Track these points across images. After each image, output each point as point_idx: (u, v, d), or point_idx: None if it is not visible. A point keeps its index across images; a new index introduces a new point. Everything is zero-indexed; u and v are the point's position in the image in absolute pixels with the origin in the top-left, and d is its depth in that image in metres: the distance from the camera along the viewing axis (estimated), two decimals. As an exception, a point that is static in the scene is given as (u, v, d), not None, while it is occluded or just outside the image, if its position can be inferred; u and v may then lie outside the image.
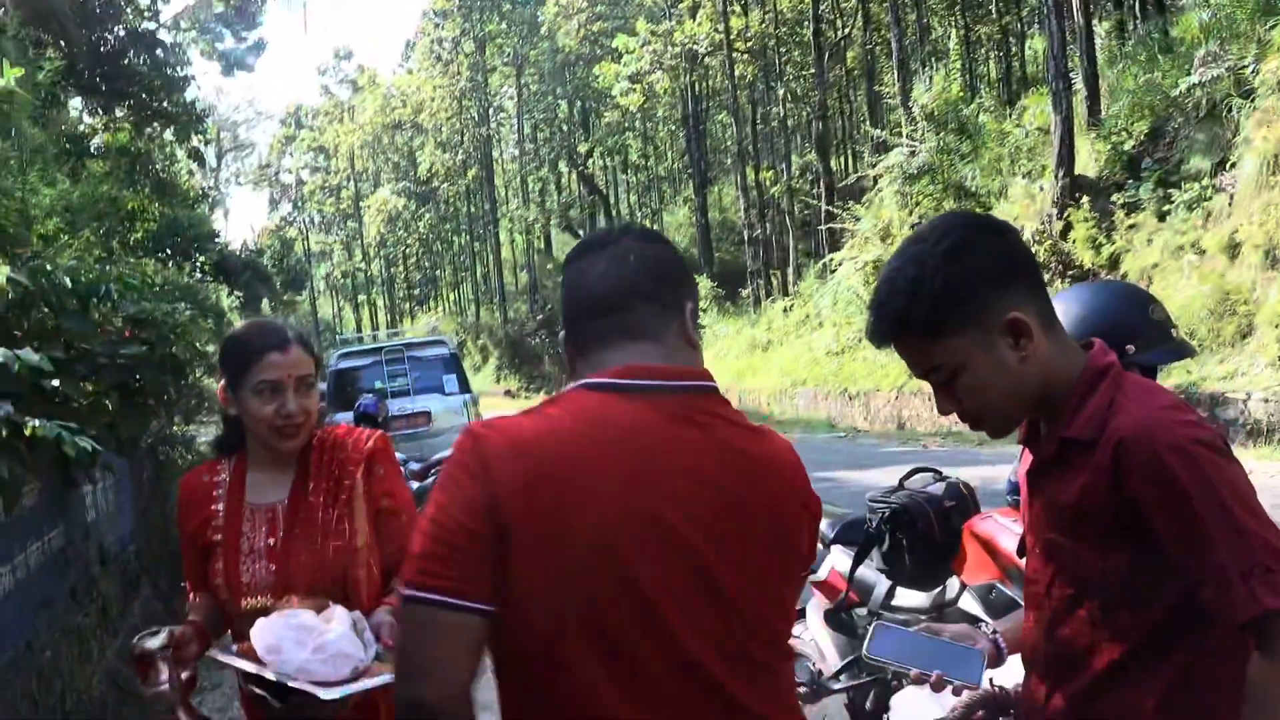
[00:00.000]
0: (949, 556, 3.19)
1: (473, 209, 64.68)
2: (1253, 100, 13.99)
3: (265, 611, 2.40)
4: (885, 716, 2.99)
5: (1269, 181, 13.30)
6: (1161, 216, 15.44)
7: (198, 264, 18.39)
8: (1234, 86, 14.53)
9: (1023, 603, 1.98)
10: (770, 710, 1.55)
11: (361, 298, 78.24)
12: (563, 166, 59.36)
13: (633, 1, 46.26)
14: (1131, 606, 1.72)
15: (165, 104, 18.47)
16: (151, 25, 19.58)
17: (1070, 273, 16.77)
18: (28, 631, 5.06)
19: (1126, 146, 16.82)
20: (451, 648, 1.44)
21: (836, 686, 3.25)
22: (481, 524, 1.45)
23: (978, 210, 19.93)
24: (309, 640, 2.20)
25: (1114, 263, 15.97)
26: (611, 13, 47.54)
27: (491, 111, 60.07)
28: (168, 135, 20.10)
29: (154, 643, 2.35)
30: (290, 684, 2.17)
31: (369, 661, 2.24)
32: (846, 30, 35.05)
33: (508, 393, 48.54)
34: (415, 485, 9.21)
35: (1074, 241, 16.67)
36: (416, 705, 1.44)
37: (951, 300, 1.71)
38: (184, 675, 2.39)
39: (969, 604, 3.14)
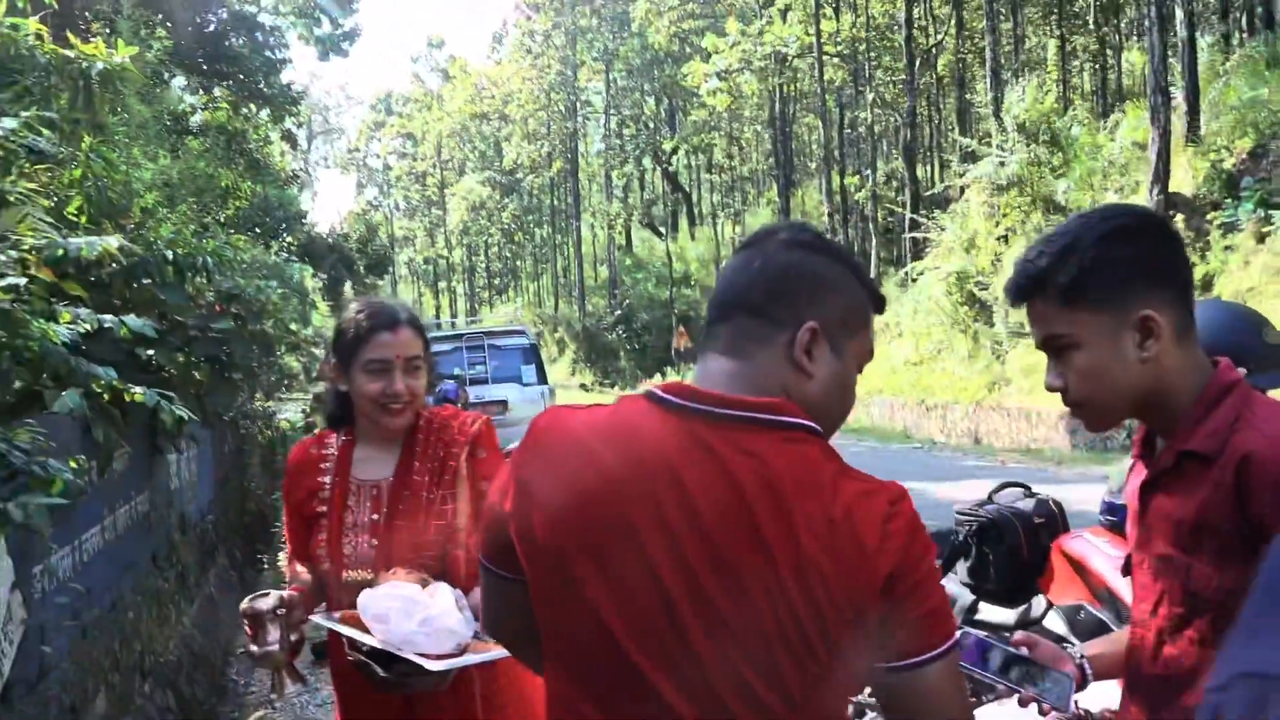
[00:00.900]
0: (1036, 574, 3.12)
1: (556, 202, 65.05)
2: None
3: (365, 584, 2.45)
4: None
5: (1376, 207, 12.89)
6: (1261, 238, 15.04)
7: (285, 244, 18.72)
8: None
9: (1112, 626, 1.94)
10: None
11: (442, 285, 79.11)
12: (647, 163, 59.44)
13: (724, 0, 46.14)
14: None
15: (262, 85, 18.83)
16: (252, 9, 19.98)
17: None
18: (113, 592, 5.20)
19: (1226, 164, 16.40)
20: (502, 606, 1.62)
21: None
22: (503, 503, 1.53)
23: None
24: (415, 613, 2.24)
25: (1207, 284, 15.58)
26: (702, 11, 47.50)
27: (579, 105, 60.33)
28: (263, 116, 20.49)
29: (265, 604, 2.42)
30: (397, 654, 2.21)
31: (469, 638, 2.27)
32: (939, 37, 34.62)
33: (582, 386, 48.76)
34: None
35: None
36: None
37: (1096, 276, 1.67)
38: (293, 638, 2.46)
39: (1055, 624, 3.08)
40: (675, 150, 54.47)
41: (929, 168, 38.15)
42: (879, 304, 1.58)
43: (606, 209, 59.77)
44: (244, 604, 2.46)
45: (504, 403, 12.34)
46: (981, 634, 1.82)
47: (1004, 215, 21.66)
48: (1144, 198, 17.16)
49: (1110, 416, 1.79)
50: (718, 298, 1.55)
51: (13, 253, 3.20)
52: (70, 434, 4.29)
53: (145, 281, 4.77)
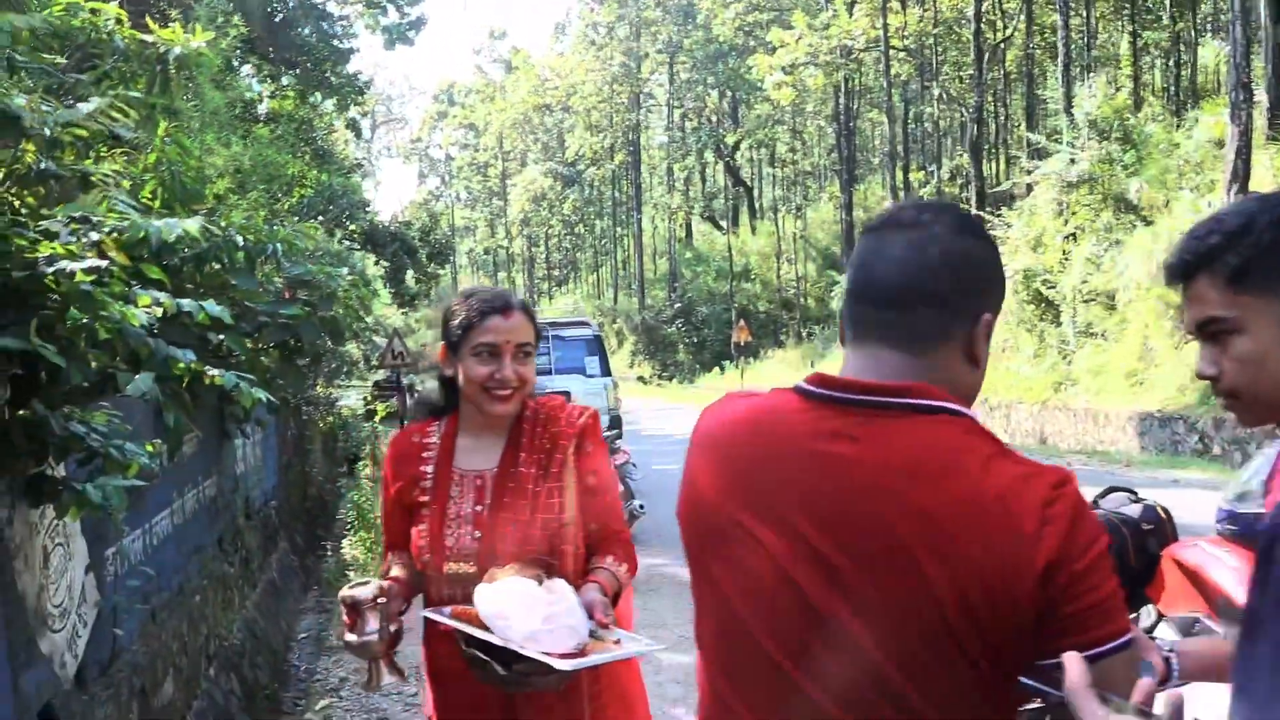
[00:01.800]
0: (1144, 582, 3.00)
1: (617, 194, 65.10)
2: None
3: (468, 577, 2.40)
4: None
5: None
6: (1343, 239, 14.60)
7: (348, 231, 18.85)
8: None
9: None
10: None
11: (501, 275, 79.56)
12: (709, 156, 59.30)
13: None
14: None
15: (329, 74, 18.96)
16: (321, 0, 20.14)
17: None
18: (181, 575, 5.23)
19: (1309, 163, 16.00)
20: None
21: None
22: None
23: (1140, 224, 19.20)
24: (538, 609, 2.17)
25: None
26: (768, 4, 47.22)
27: (641, 98, 60.31)
28: (328, 105, 20.65)
29: (365, 593, 2.37)
30: (521, 651, 2.13)
31: (588, 637, 2.20)
32: (1008, 32, 34.11)
33: (640, 379, 48.77)
34: None
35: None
36: None
37: (1271, 258, 1.54)
38: (391, 629, 2.41)
39: (1167, 635, 2.96)
40: (738, 144, 54.26)
41: (994, 164, 37.64)
42: None
43: (667, 202, 59.72)
44: (343, 591, 2.42)
45: (567, 394, 12.32)
46: None
47: (1073, 213, 21.27)
48: (1221, 196, 16.75)
49: (1267, 412, 1.66)
50: (888, 284, 1.45)
51: (94, 235, 3.19)
52: (142, 417, 4.31)
53: (216, 267, 4.77)
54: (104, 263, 2.94)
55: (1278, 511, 1.35)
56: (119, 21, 5.24)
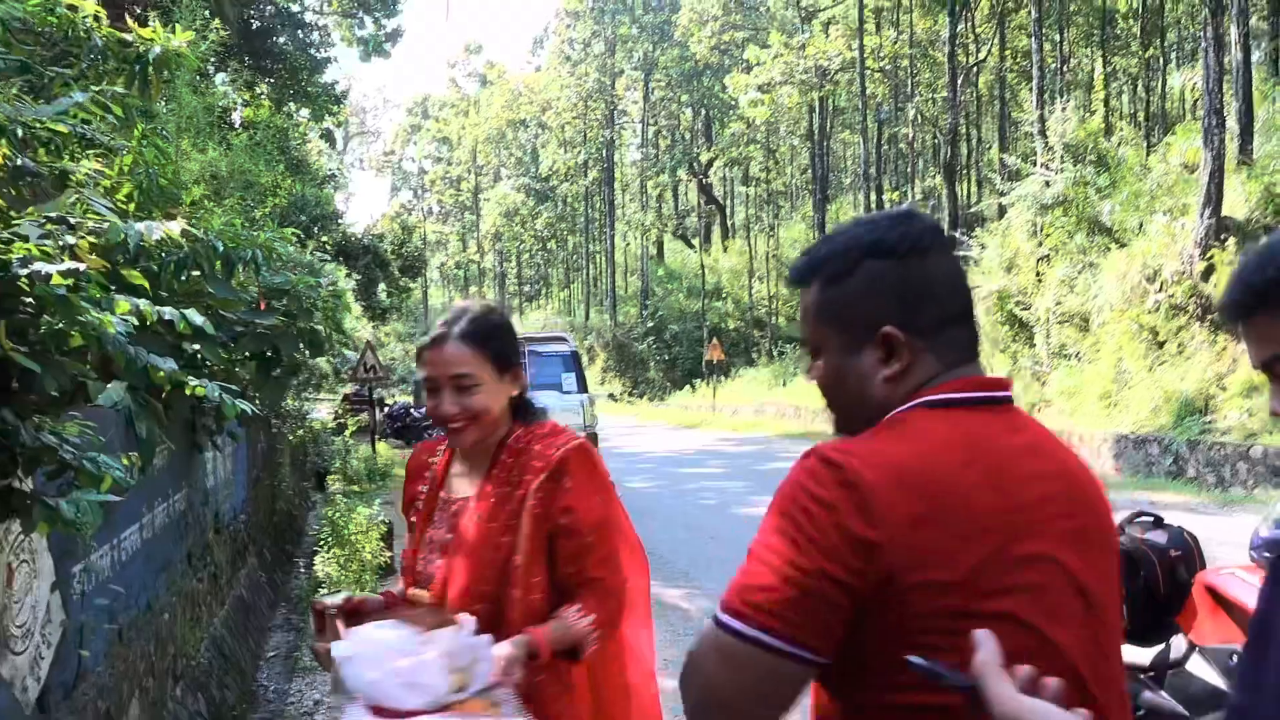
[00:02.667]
0: (1174, 611, 2.89)
1: (590, 210, 65.04)
2: None
3: (425, 604, 2.35)
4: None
5: None
6: (1316, 264, 14.70)
7: (320, 243, 18.63)
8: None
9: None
10: None
11: (473, 290, 79.27)
12: (682, 174, 59.37)
13: (766, 13, 46.04)
14: None
15: (305, 84, 18.78)
16: (298, 7, 19.98)
17: (1210, 316, 16.10)
18: (149, 592, 5.05)
19: (1280, 188, 16.11)
20: (773, 695, 1.36)
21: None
22: (852, 572, 1.31)
23: (1113, 246, 19.30)
24: (388, 660, 2.08)
25: (1259, 311, 15.21)
26: (745, 22, 47.39)
27: (616, 115, 60.34)
28: (303, 114, 20.45)
29: (331, 601, 2.38)
30: (350, 700, 2.10)
31: (456, 695, 2.08)
32: (981, 55, 34.35)
33: (611, 396, 48.62)
34: None
35: (1216, 284, 15.99)
36: None
37: None
38: None
39: (1201, 668, 2.84)
40: (711, 162, 54.34)
41: (967, 185, 37.85)
42: None
43: (641, 219, 59.69)
44: (315, 598, 2.43)
45: (543, 411, 12.13)
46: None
47: (1048, 235, 21.35)
48: (1195, 219, 16.85)
49: None
50: (968, 302, 1.52)
51: (69, 238, 3.04)
52: (113, 428, 4.14)
53: (194, 274, 4.62)
54: (81, 266, 2.80)
55: None
56: (96, 19, 5.08)
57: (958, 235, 25.59)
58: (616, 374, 52.58)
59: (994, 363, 22.14)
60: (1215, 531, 8.41)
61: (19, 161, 3.08)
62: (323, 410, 17.85)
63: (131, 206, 4.77)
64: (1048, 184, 21.48)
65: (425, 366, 2.43)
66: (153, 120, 5.72)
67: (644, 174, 59.63)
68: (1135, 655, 3.03)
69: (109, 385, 3.54)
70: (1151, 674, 2.91)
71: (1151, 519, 3.13)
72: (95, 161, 3.88)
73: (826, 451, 1.37)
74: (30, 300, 2.72)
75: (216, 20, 9.55)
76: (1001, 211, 24.27)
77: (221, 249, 4.58)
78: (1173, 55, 33.94)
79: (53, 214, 2.92)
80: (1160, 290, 17.21)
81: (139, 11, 7.76)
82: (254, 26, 17.79)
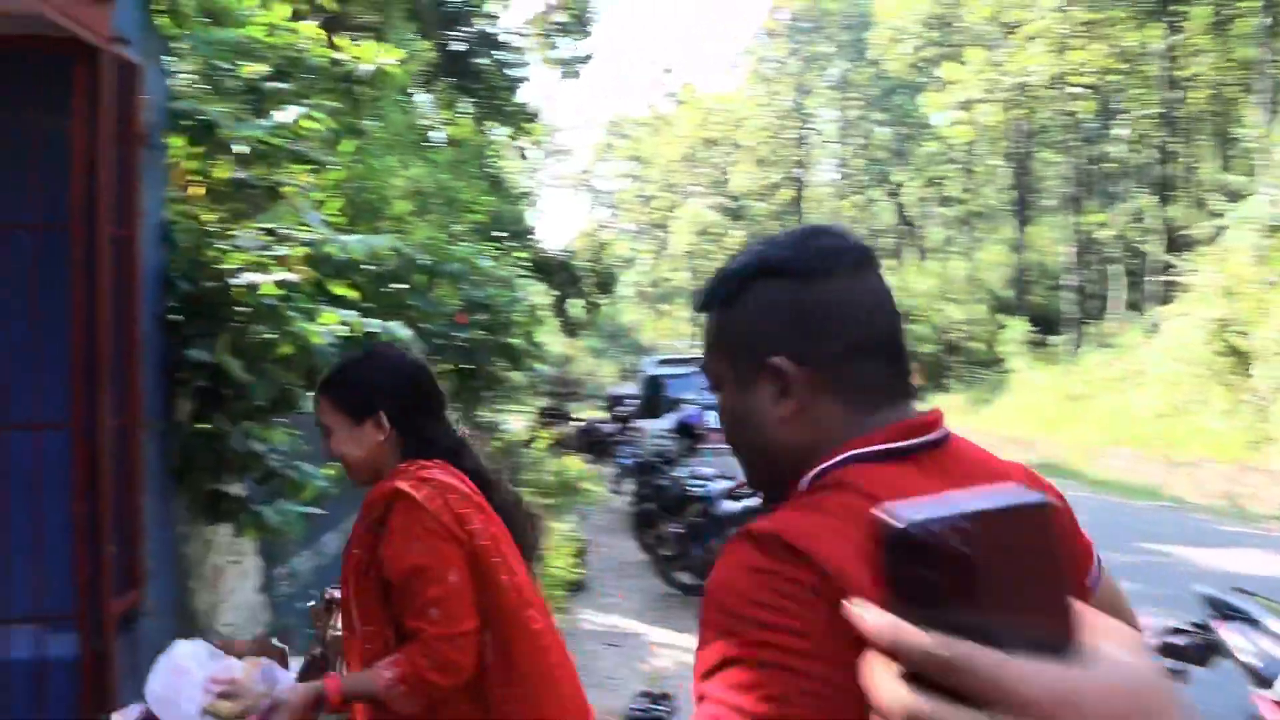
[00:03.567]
0: None
1: (775, 229, 64.61)
2: None
3: (337, 641, 2.51)
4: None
5: None
6: None
7: (516, 258, 18.99)
8: None
9: None
10: None
11: (664, 307, 79.81)
12: (875, 194, 58.39)
13: (964, 29, 44.89)
14: None
15: (504, 103, 19.24)
16: (497, 30, 20.52)
17: None
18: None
19: None
20: None
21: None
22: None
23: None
24: (172, 673, 2.24)
25: None
26: (943, 39, 46.33)
27: (809, 133, 59.89)
28: (502, 132, 20.94)
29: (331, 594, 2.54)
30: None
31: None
32: (1198, 68, 32.59)
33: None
34: (724, 505, 9.00)
35: None
36: None
37: None
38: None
39: None
40: (902, 183, 53.30)
41: (1179, 206, 35.93)
42: None
43: (832, 239, 58.82)
44: (327, 588, 2.67)
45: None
46: None
47: (1273, 260, 20.00)
48: None
49: None
50: (891, 332, 1.27)
51: (282, 248, 3.11)
52: (316, 434, 4.24)
53: (396, 286, 4.70)
54: (293, 277, 2.85)
55: None
56: (313, 40, 5.26)
57: (1172, 259, 24.29)
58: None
59: (1210, 395, 20.87)
60: None
61: (239, 175, 3.18)
62: (517, 423, 18.18)
63: (341, 220, 4.90)
64: (1274, 204, 20.12)
65: None
66: (361, 137, 5.89)
67: (837, 194, 58.96)
68: None
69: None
70: None
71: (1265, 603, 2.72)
72: (306, 175, 3.99)
73: (761, 530, 1.07)
74: (244, 310, 2.79)
75: (423, 42, 9.83)
76: (1218, 234, 22.89)
77: (426, 263, 4.64)
78: None
79: (267, 225, 3.01)
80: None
81: (353, 36, 8.04)
82: (455, 49, 18.34)
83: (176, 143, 3.04)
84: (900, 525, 0.62)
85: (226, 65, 3.63)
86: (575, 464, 17.54)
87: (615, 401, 19.93)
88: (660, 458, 10.49)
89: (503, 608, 2.31)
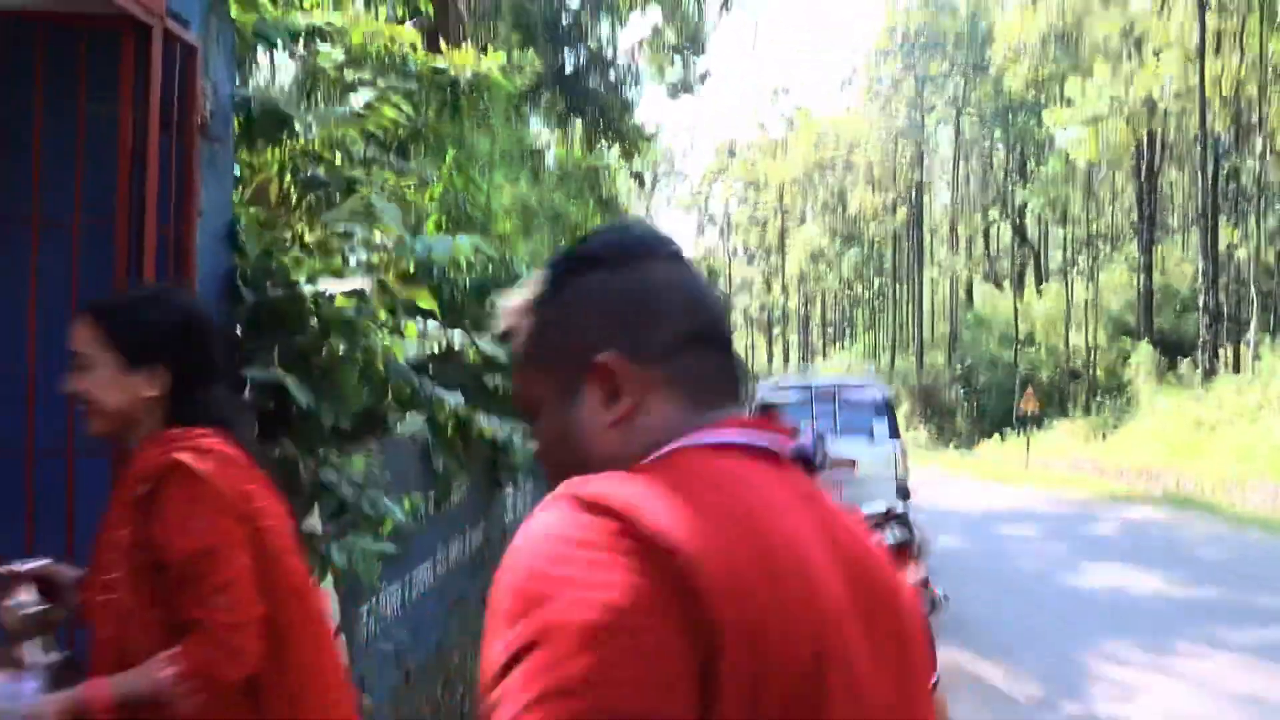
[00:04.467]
0: None
1: (897, 253, 63.63)
2: None
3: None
4: None
5: None
6: None
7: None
8: None
9: None
10: None
11: (775, 331, 79.22)
12: (994, 215, 57.05)
13: (1089, 43, 43.55)
14: None
15: (615, 123, 19.13)
16: (609, 50, 20.44)
17: None
18: (439, 630, 4.88)
19: None
20: None
21: None
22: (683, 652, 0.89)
23: None
24: None
25: None
26: (1064, 55, 45.02)
27: (925, 154, 58.86)
28: (613, 154, 20.83)
29: (25, 567, 2.13)
30: None
31: None
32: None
33: (917, 445, 47.10)
34: None
35: None
36: None
37: None
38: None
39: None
40: (1026, 203, 51.96)
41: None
42: None
43: (951, 262, 57.80)
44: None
45: (852, 462, 11.39)
46: None
47: None
48: None
49: None
50: (717, 319, 1.15)
51: (362, 253, 2.81)
52: (407, 460, 3.95)
53: (491, 300, 4.40)
54: (366, 285, 2.56)
55: None
56: (414, 46, 5.03)
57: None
58: (923, 421, 50.86)
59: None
60: None
61: (309, 173, 2.91)
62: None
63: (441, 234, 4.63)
64: None
65: None
66: (464, 149, 5.65)
67: (955, 215, 57.76)
68: None
69: (408, 414, 3.33)
70: None
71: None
72: (388, 173, 3.71)
73: (591, 496, 0.95)
74: (315, 321, 2.50)
75: (531, 55, 9.66)
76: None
77: (522, 272, 4.33)
78: None
79: (340, 226, 2.72)
80: None
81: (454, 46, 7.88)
82: (566, 69, 18.32)
83: (244, 136, 2.79)
84: None
85: (301, 52, 3.38)
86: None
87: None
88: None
89: (285, 594, 2.05)
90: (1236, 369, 29.27)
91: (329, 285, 2.51)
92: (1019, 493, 26.12)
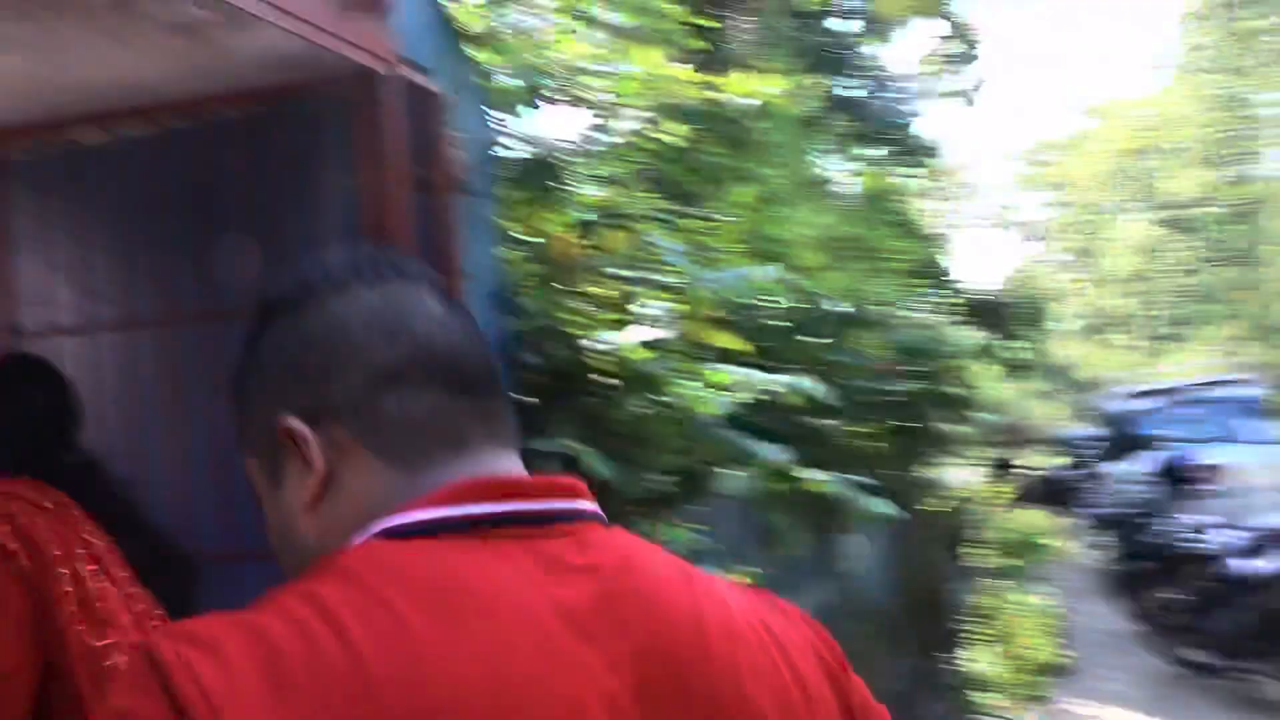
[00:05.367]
0: None
1: (1232, 234, 58.76)
2: None
3: None
4: None
5: None
6: None
7: (941, 302, 18.18)
8: None
9: None
10: None
11: (1099, 337, 74.79)
12: (1344, 179, 51.51)
13: None
14: None
15: (902, 143, 18.78)
16: (886, 69, 20.14)
17: None
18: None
19: None
20: None
21: None
22: None
23: None
24: None
25: None
26: None
27: (1255, 122, 54.15)
28: (904, 173, 20.37)
29: None
30: None
31: None
32: None
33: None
34: (1239, 564, 7.30)
35: None
36: None
37: None
38: None
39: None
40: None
41: None
42: None
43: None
44: None
45: (1215, 469, 10.15)
46: None
47: None
48: None
49: None
50: (451, 355, 0.87)
51: (650, 300, 2.49)
52: (737, 524, 3.62)
53: (803, 338, 4.03)
54: (663, 333, 2.24)
55: None
56: (689, 82, 4.80)
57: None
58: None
59: None
60: None
61: (584, 219, 2.64)
62: (963, 477, 17.23)
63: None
64: None
65: None
66: (752, 180, 5.35)
67: (1298, 184, 52.59)
68: None
69: (729, 473, 3.00)
70: None
71: None
72: (666, 204, 3.41)
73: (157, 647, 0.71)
74: (603, 382, 2.19)
75: (810, 81, 9.36)
76: None
77: (839, 310, 3.94)
78: None
79: (624, 271, 2.41)
80: None
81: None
82: (845, 94, 18.08)
83: (512, 188, 2.55)
84: None
85: (556, 90, 3.14)
86: (1036, 518, 16.23)
87: (1073, 445, 18.23)
88: (1140, 507, 9.00)
89: (70, 644, 1.84)
90: None
91: (620, 338, 2.19)
92: None
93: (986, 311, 21.39)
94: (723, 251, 4.12)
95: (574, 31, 3.52)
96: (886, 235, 13.72)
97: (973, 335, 20.71)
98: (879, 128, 18.62)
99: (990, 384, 20.78)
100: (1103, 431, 14.33)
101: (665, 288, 2.48)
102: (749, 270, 2.62)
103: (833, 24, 18.91)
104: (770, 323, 3.18)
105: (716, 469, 2.86)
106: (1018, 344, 22.16)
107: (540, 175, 2.53)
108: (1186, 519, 8.26)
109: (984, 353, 21.28)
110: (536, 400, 2.19)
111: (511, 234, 2.56)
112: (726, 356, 2.58)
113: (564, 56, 3.19)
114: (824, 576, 5.61)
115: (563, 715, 0.73)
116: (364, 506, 0.82)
